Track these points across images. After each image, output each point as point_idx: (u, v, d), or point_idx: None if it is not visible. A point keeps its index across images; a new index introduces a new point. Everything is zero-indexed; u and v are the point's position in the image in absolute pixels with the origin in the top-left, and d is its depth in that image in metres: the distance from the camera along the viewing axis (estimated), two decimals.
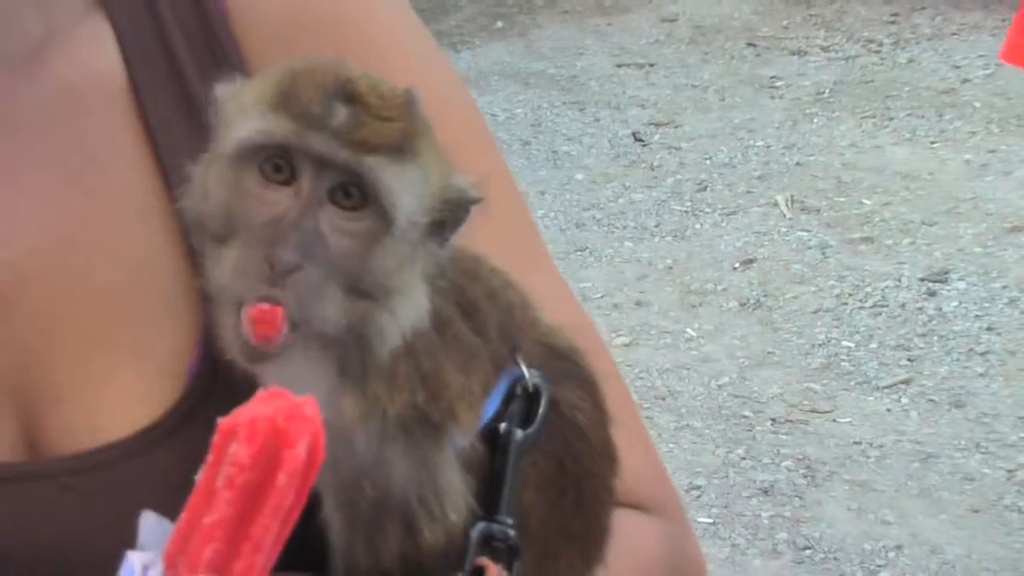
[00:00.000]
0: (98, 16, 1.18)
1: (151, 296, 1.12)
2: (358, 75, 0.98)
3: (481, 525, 1.02)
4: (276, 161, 0.96)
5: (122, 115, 1.16)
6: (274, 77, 0.99)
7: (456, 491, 1.02)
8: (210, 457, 0.87)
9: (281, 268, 0.93)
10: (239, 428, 0.86)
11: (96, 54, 1.17)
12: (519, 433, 1.04)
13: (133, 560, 0.90)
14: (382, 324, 0.99)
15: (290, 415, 0.86)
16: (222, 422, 0.87)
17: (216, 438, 0.87)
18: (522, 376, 1.05)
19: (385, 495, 1.00)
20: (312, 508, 1.02)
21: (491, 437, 1.04)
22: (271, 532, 0.86)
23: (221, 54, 1.16)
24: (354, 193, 0.96)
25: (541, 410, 1.05)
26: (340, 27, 1.19)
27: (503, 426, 1.04)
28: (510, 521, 1.03)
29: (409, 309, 0.99)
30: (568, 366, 1.10)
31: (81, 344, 1.11)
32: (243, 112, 0.98)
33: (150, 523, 0.96)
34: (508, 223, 1.24)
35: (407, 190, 0.96)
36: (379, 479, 1.00)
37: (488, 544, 1.02)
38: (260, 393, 0.89)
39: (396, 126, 0.97)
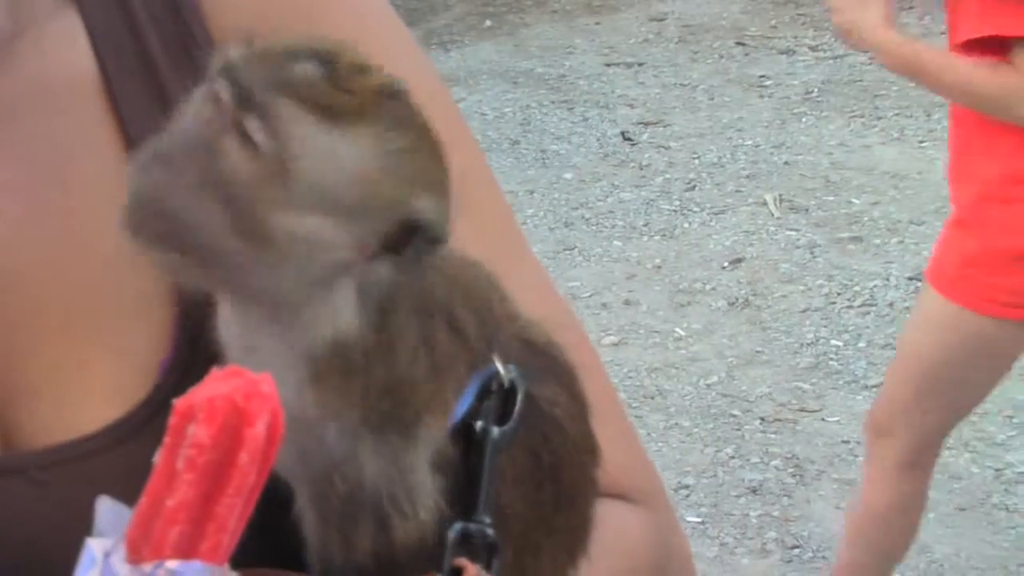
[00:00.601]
0: (69, 11, 1.17)
1: (125, 291, 1.11)
2: (344, 47, 0.93)
3: (458, 525, 1.01)
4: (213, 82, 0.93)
5: (95, 109, 1.15)
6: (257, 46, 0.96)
7: (426, 489, 1.01)
8: (168, 439, 0.86)
9: (160, 144, 0.93)
10: (197, 409, 0.85)
11: (67, 49, 1.16)
12: (495, 431, 1.03)
13: (93, 547, 0.89)
14: (309, 314, 0.95)
15: (248, 393, 0.85)
16: (178, 402, 0.86)
17: (173, 419, 0.86)
18: (497, 373, 1.04)
19: (356, 490, 1.00)
20: (287, 501, 1.02)
21: (466, 434, 1.03)
22: (235, 511, 0.86)
23: (194, 46, 1.16)
24: (262, 128, 0.90)
25: (517, 407, 1.03)
26: (314, 19, 1.18)
27: (479, 424, 1.02)
28: (488, 520, 1.02)
29: (332, 319, 0.96)
30: (545, 360, 1.08)
31: (55, 338, 1.11)
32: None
33: (106, 509, 0.95)
34: (486, 215, 1.23)
35: (323, 163, 0.90)
36: (350, 474, 0.99)
37: (466, 543, 1.02)
38: (215, 372, 0.88)
39: (352, 100, 0.90)
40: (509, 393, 1.03)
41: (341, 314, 0.96)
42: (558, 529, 1.09)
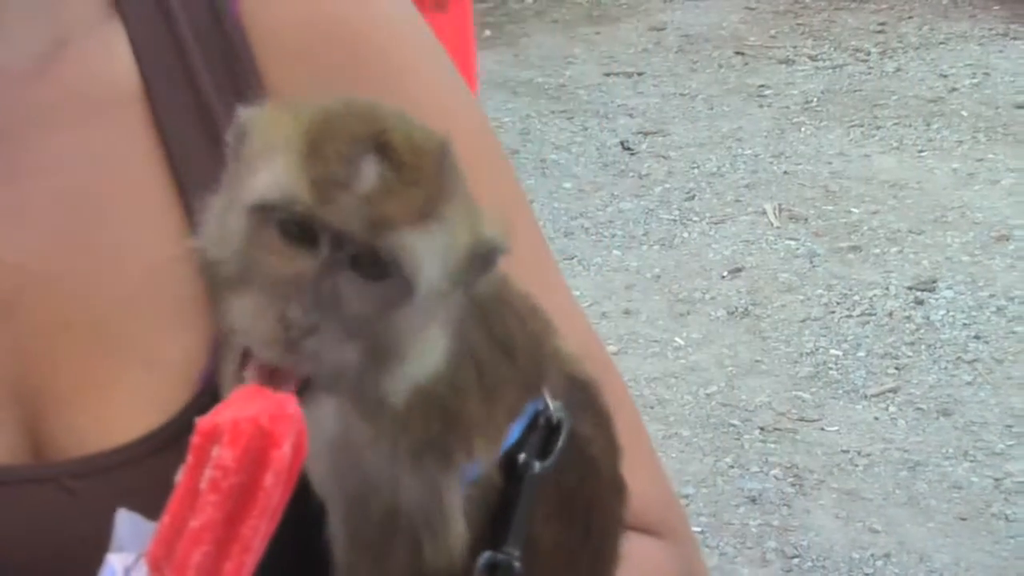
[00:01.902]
0: (113, 24, 1.18)
1: (161, 302, 1.11)
2: (394, 123, 0.94)
3: (487, 554, 1.02)
4: (296, 224, 0.92)
5: (135, 122, 1.16)
6: (305, 119, 0.95)
7: (459, 519, 1.01)
8: (190, 458, 0.86)
9: (295, 332, 0.91)
10: (222, 430, 0.85)
11: (110, 61, 1.17)
12: (536, 465, 1.03)
13: (114, 563, 0.89)
14: (396, 375, 0.96)
15: (275, 415, 0.85)
16: (201, 422, 0.86)
17: (196, 439, 0.86)
18: (546, 407, 1.05)
19: (392, 513, 1.00)
20: (318, 523, 1.02)
21: (508, 465, 1.04)
22: (260, 532, 0.86)
23: (236, 64, 1.16)
24: (375, 264, 0.92)
25: (560, 443, 1.04)
26: (355, 40, 1.19)
27: (521, 456, 1.03)
28: (516, 553, 1.02)
29: (426, 360, 0.97)
30: (585, 398, 1.10)
31: (87, 348, 1.11)
32: (267, 157, 0.94)
33: (126, 521, 0.95)
34: (526, 247, 1.24)
35: (430, 259, 0.93)
36: (386, 498, 1.00)
37: (492, 573, 1.02)
38: (238, 391, 0.88)
39: (424, 192, 0.93)
40: (554, 429, 1.04)
41: (434, 353, 0.98)
42: (585, 565, 1.10)
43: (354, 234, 0.91)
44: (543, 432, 1.04)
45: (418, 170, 0.93)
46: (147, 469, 1.07)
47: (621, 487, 1.12)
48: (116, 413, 1.10)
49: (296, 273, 0.92)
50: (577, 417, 1.07)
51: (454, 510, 1.01)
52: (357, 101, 0.98)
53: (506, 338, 1.03)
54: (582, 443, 1.07)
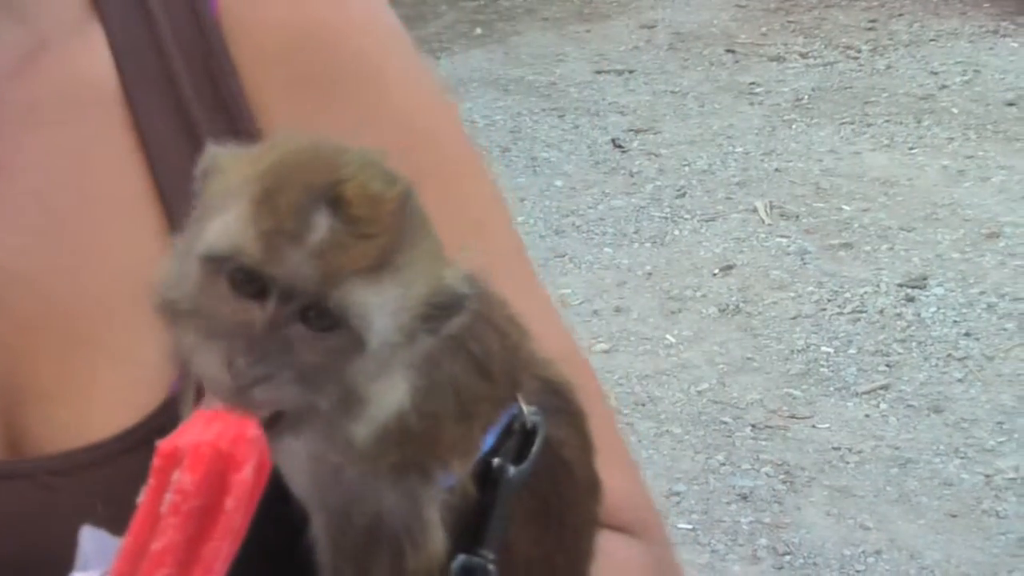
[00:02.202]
0: (93, 25, 1.19)
1: (139, 299, 1.11)
2: (352, 173, 0.92)
3: (461, 558, 1.02)
4: (244, 276, 0.91)
5: (114, 121, 1.16)
6: (262, 164, 0.93)
7: (437, 525, 1.02)
8: (152, 480, 0.86)
9: (242, 381, 0.90)
10: (181, 453, 0.85)
11: (89, 61, 1.18)
12: (511, 470, 1.04)
13: None
14: (358, 420, 0.95)
15: (235, 438, 0.85)
16: (161, 444, 0.86)
17: (156, 461, 0.86)
18: (520, 413, 1.05)
19: (373, 523, 1.00)
20: (301, 526, 1.02)
21: (483, 471, 1.04)
22: (222, 553, 0.86)
23: (215, 66, 1.17)
24: (324, 317, 0.91)
25: (535, 448, 1.04)
26: (333, 42, 1.19)
27: (495, 461, 1.03)
28: (491, 556, 1.03)
29: (386, 405, 0.96)
30: (560, 401, 1.10)
31: (66, 344, 1.12)
32: (219, 205, 0.93)
33: (89, 539, 0.95)
34: (499, 248, 1.25)
35: (382, 313, 0.92)
36: (368, 509, 1.00)
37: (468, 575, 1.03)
38: (199, 412, 0.88)
39: (377, 243, 0.91)
40: (528, 434, 1.04)
41: (395, 397, 0.97)
42: (560, 567, 1.10)
43: (302, 288, 0.90)
44: (518, 437, 1.04)
45: (372, 223, 0.91)
46: (123, 466, 1.08)
47: (596, 487, 1.12)
48: (94, 410, 1.10)
49: (244, 323, 0.91)
50: (552, 420, 1.07)
51: (434, 521, 1.01)
52: (322, 146, 0.96)
53: (484, 356, 1.03)
54: (556, 446, 1.07)
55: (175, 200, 1.12)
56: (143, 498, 0.87)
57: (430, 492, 1.01)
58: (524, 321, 1.08)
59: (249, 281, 0.91)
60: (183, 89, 1.16)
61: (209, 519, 0.85)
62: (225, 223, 0.91)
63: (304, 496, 1.01)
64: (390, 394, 0.96)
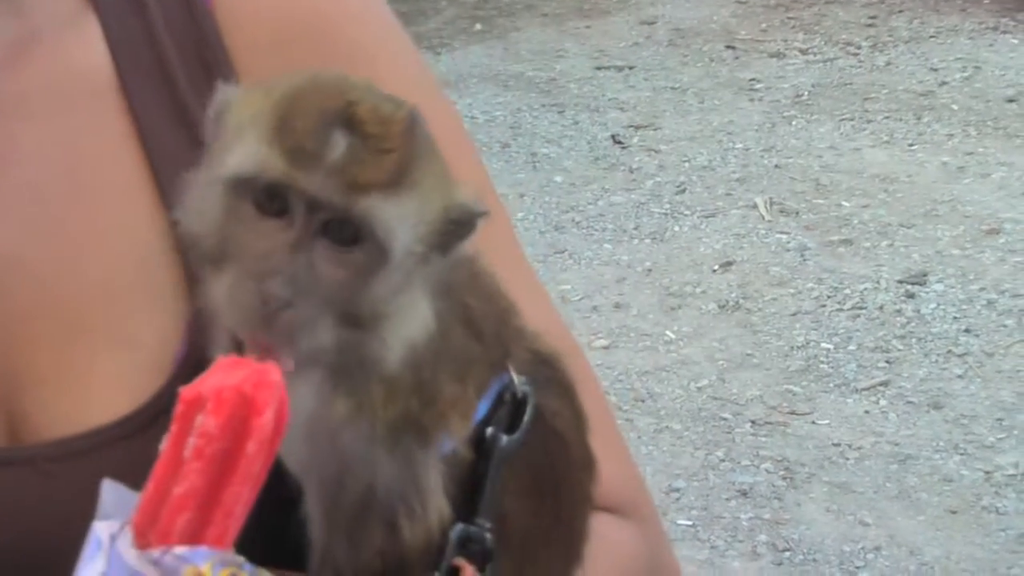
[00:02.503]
0: (87, 15, 1.19)
1: (137, 286, 1.12)
2: (360, 96, 0.96)
3: (459, 527, 1.03)
4: (269, 195, 0.94)
5: (110, 111, 1.17)
6: (274, 95, 0.97)
7: (437, 492, 1.02)
8: (174, 427, 0.87)
9: (271, 304, 0.92)
10: (205, 398, 0.86)
11: (84, 52, 1.18)
12: (503, 439, 1.04)
13: (99, 531, 0.90)
14: (381, 345, 0.98)
15: (257, 383, 0.86)
16: (184, 391, 0.87)
17: (179, 407, 0.87)
18: (511, 383, 1.06)
19: (368, 492, 1.01)
20: (294, 501, 1.02)
21: (477, 441, 1.05)
22: (242, 498, 0.87)
23: (209, 55, 1.17)
24: (348, 229, 0.94)
25: (526, 417, 1.06)
26: (327, 32, 1.20)
27: (489, 431, 1.04)
28: (487, 524, 1.03)
29: (410, 327, 0.99)
30: (550, 372, 1.11)
31: (63, 330, 1.12)
32: (239, 134, 0.96)
33: (110, 491, 0.96)
34: (489, 229, 1.25)
35: (404, 224, 0.95)
36: (363, 477, 1.01)
37: (465, 546, 1.03)
38: (221, 360, 0.89)
39: (394, 158, 0.94)
40: (519, 403, 1.05)
41: (420, 315, 0.99)
42: (556, 540, 1.11)
43: (327, 200, 0.93)
44: (509, 407, 1.06)
45: (387, 138, 0.94)
46: (122, 452, 1.08)
47: (590, 460, 1.13)
48: (92, 396, 1.11)
49: (271, 246, 0.93)
50: (543, 391, 1.08)
51: (433, 486, 1.02)
52: (325, 74, 0.99)
53: (473, 318, 1.04)
54: (549, 416, 1.08)
55: (170, 188, 1.13)
56: (165, 444, 0.88)
57: (428, 458, 1.01)
58: (513, 298, 1.09)
59: (275, 201, 0.94)
60: (177, 79, 1.16)
61: (230, 464, 0.87)
62: (247, 148, 0.94)
63: (298, 467, 1.01)
64: (414, 314, 0.98)
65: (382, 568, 1.02)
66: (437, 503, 1.02)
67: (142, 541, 0.87)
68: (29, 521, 1.09)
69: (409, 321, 0.98)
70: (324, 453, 1.00)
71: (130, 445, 1.09)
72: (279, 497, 1.00)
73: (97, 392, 1.11)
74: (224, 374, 0.88)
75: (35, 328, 1.12)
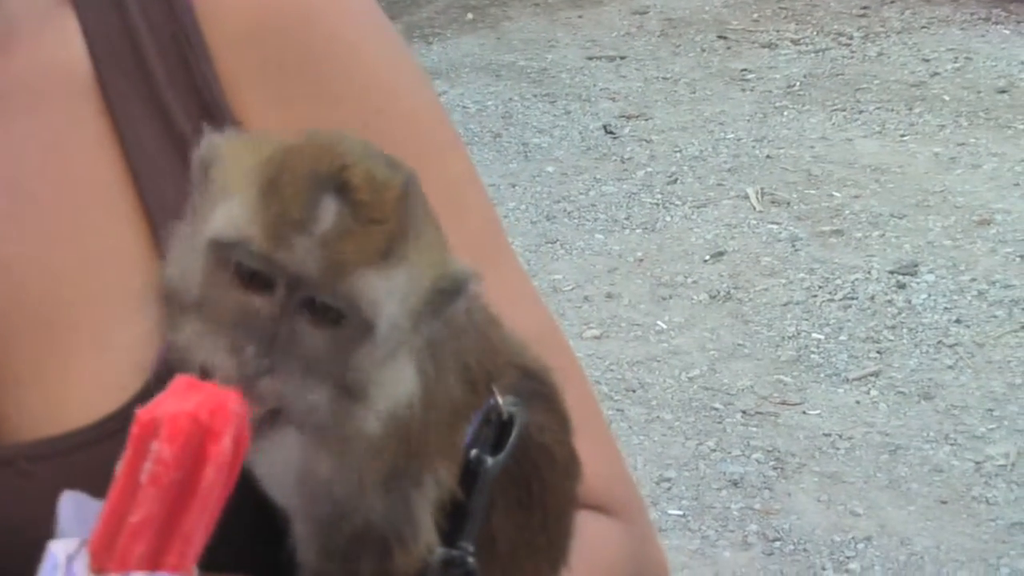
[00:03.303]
0: (64, 11, 1.18)
1: (114, 285, 1.11)
2: (355, 159, 0.92)
3: (441, 550, 1.02)
4: (252, 264, 0.90)
5: (87, 108, 1.15)
6: (265, 152, 0.93)
7: (428, 526, 1.02)
8: (129, 450, 0.85)
9: (250, 372, 0.89)
10: (160, 424, 0.84)
11: (62, 48, 1.17)
12: (489, 461, 1.03)
13: (56, 552, 0.88)
14: (365, 414, 0.95)
15: (213, 409, 0.84)
16: (140, 413, 0.85)
17: (135, 430, 0.85)
18: (496, 404, 1.05)
19: (363, 528, 1.00)
20: (282, 529, 1.02)
21: (462, 463, 1.04)
22: (201, 524, 0.86)
23: (188, 49, 1.16)
24: (332, 306, 0.91)
25: (512, 438, 1.04)
26: (308, 25, 1.19)
27: (473, 452, 1.03)
28: (471, 548, 1.03)
29: (394, 395, 0.96)
30: (536, 385, 1.10)
31: (39, 330, 1.11)
32: (224, 193, 0.92)
33: (69, 504, 0.95)
34: (475, 224, 1.24)
35: (390, 300, 0.91)
36: (358, 517, 1.00)
37: (447, 569, 1.02)
38: (180, 379, 0.87)
39: (385, 229, 0.90)
40: (505, 424, 1.04)
41: (404, 384, 0.97)
42: (542, 547, 1.11)
43: (309, 277, 0.89)
44: (495, 428, 1.04)
45: (378, 209, 0.91)
46: (102, 453, 1.06)
47: (575, 466, 1.12)
48: (70, 396, 1.10)
49: (251, 314, 0.90)
50: (529, 406, 1.07)
51: (426, 523, 1.01)
52: (321, 134, 0.95)
53: (467, 364, 1.02)
54: (536, 432, 1.07)
55: (149, 185, 1.12)
56: (120, 468, 0.86)
57: (422, 497, 1.00)
58: (497, 303, 1.08)
59: (255, 271, 0.90)
60: (156, 74, 1.15)
61: (187, 490, 0.85)
62: (231, 209, 0.91)
63: (289, 506, 1.00)
64: (399, 381, 0.96)
65: None
66: (428, 534, 1.01)
67: (98, 566, 0.86)
68: (9, 521, 1.08)
69: (393, 389, 0.95)
70: (316, 500, 0.99)
71: (111, 445, 1.07)
72: (263, 518, 0.99)
73: (76, 393, 1.10)
74: (180, 398, 0.85)
75: (12, 327, 1.11)
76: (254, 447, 0.92)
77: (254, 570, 1.02)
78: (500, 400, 1.04)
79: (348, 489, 0.98)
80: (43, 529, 0.97)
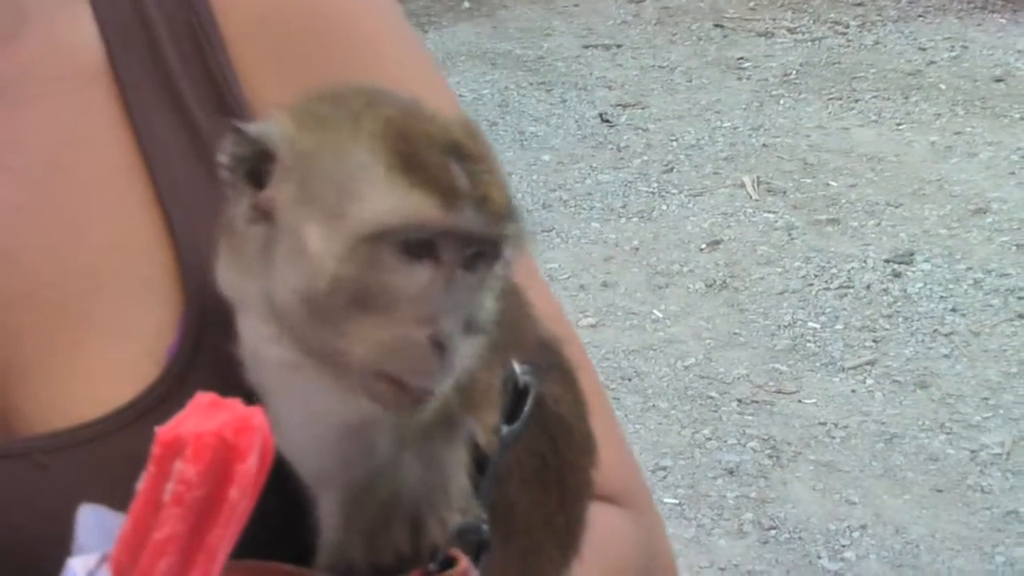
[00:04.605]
0: (79, 1, 1.18)
1: (126, 276, 1.11)
2: (435, 116, 0.95)
3: (457, 519, 1.02)
4: (417, 239, 0.91)
5: (101, 96, 1.15)
6: (360, 126, 0.93)
7: (463, 492, 1.02)
8: (152, 468, 0.84)
9: (447, 346, 0.90)
10: (184, 442, 0.84)
11: (75, 37, 1.17)
12: (504, 429, 1.04)
13: (75, 568, 0.88)
14: (473, 345, 0.97)
15: (239, 428, 0.84)
16: (161, 432, 0.84)
17: (156, 449, 0.84)
18: (513, 373, 1.05)
19: (395, 497, 1.00)
20: (305, 508, 1.02)
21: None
22: (225, 540, 0.85)
23: (202, 36, 1.16)
24: (487, 255, 0.94)
25: (527, 407, 1.05)
26: (321, 13, 1.19)
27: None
28: (484, 516, 1.03)
29: (488, 324, 0.98)
30: (552, 357, 1.10)
31: (51, 320, 1.10)
32: (354, 178, 0.91)
33: (88, 516, 0.94)
34: None
35: (517, 237, 0.96)
36: (391, 481, 0.99)
37: (462, 537, 1.02)
38: (199, 399, 0.86)
39: (500, 175, 0.95)
40: (521, 393, 1.04)
41: (489, 319, 0.98)
42: (558, 528, 1.11)
43: (481, 234, 0.92)
44: (511, 397, 1.05)
45: (487, 158, 0.94)
46: (116, 445, 1.06)
47: (591, 444, 1.12)
48: (82, 387, 1.09)
49: (424, 288, 0.91)
50: (545, 377, 1.07)
51: (458, 483, 1.01)
52: (361, 88, 0.97)
53: (500, 306, 1.03)
54: (551, 403, 1.08)
55: (162, 172, 1.11)
56: (142, 485, 0.85)
57: (456, 455, 1.00)
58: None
59: (419, 245, 0.91)
60: (169, 61, 1.15)
61: (212, 508, 0.84)
62: (377, 195, 0.91)
63: (320, 474, 1.00)
64: (489, 314, 0.98)
65: (396, 564, 1.01)
66: (461, 503, 1.01)
67: None
68: (23, 514, 1.07)
69: (487, 322, 0.98)
70: (355, 458, 0.99)
71: (124, 438, 1.07)
72: (282, 496, 0.99)
73: (89, 384, 1.09)
74: (203, 417, 0.85)
75: (23, 317, 1.10)
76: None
77: (269, 554, 1.02)
78: (517, 369, 1.05)
79: (389, 441, 0.98)
80: (60, 522, 0.97)
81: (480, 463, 1.03)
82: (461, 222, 0.91)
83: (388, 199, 0.90)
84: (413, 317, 0.91)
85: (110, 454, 1.06)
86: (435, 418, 0.98)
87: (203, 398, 0.86)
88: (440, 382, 0.92)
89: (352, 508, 1.00)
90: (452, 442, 1.01)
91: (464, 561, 1.00)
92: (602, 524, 1.18)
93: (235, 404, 0.86)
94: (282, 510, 1.01)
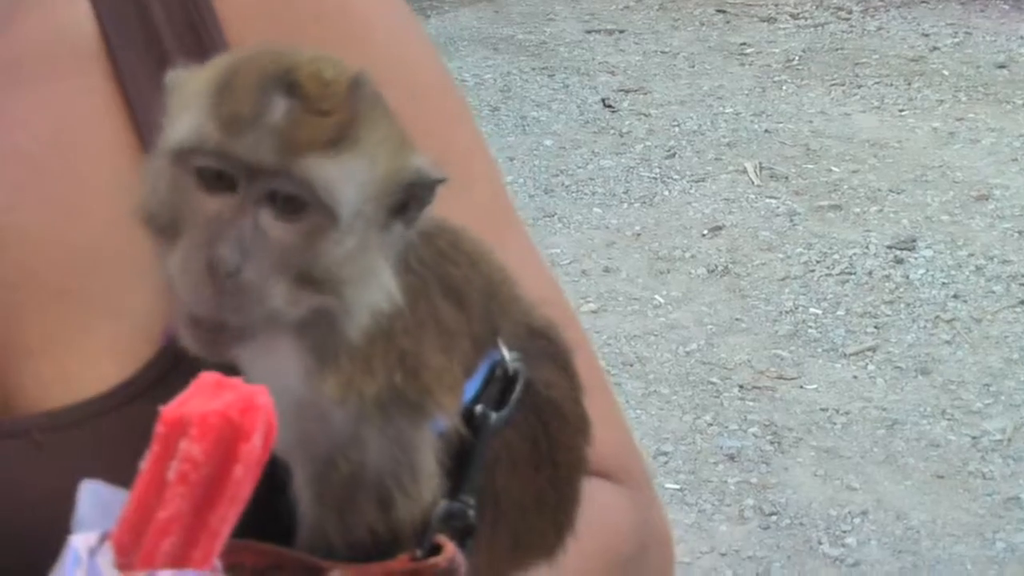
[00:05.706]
0: None
1: (125, 255, 1.11)
2: (303, 62, 0.95)
3: (443, 503, 1.03)
4: (211, 166, 0.93)
5: (97, 76, 1.15)
6: (217, 67, 0.96)
7: (431, 471, 1.02)
8: (155, 447, 0.85)
9: (220, 269, 0.91)
10: (188, 421, 0.84)
11: (70, 16, 1.17)
12: (492, 416, 1.04)
13: (77, 545, 0.88)
14: (345, 310, 0.96)
15: (243, 408, 0.85)
16: (165, 411, 0.85)
17: (160, 428, 0.84)
18: (502, 360, 1.05)
19: (359, 471, 1.00)
20: (283, 484, 1.02)
21: (467, 418, 1.04)
22: (228, 519, 0.86)
23: (198, 19, 1.16)
24: (291, 194, 0.93)
25: (515, 394, 1.05)
26: None
27: (478, 408, 1.04)
28: (471, 501, 1.03)
29: (372, 294, 0.97)
30: (544, 344, 1.10)
31: (52, 299, 1.11)
32: (182, 107, 0.95)
33: (89, 493, 0.94)
34: (482, 194, 1.24)
35: (347, 184, 0.93)
36: (354, 456, 0.99)
37: (447, 522, 1.03)
38: (204, 378, 0.87)
39: (334, 119, 0.93)
40: (511, 380, 1.04)
41: (381, 282, 0.97)
42: (550, 507, 1.11)
43: (264, 164, 0.92)
44: (499, 384, 1.05)
45: (327, 100, 0.93)
46: (115, 422, 1.07)
47: (586, 427, 1.12)
48: (82, 365, 1.09)
49: (216, 215, 0.92)
50: (536, 364, 1.07)
51: (426, 463, 1.01)
52: (270, 46, 0.98)
53: (459, 290, 1.03)
54: (542, 388, 1.07)
55: None
56: (145, 464, 0.86)
57: (421, 435, 1.01)
58: (506, 265, 1.08)
59: (217, 173, 0.93)
60: (165, 42, 1.15)
61: (216, 487, 0.85)
62: (186, 120, 0.94)
63: (286, 448, 1.00)
64: (376, 280, 0.97)
65: (373, 544, 1.02)
66: (431, 480, 1.02)
67: (124, 562, 0.86)
68: (22, 493, 1.08)
69: (370, 287, 0.96)
70: (313, 433, 0.99)
71: (123, 415, 1.07)
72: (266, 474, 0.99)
73: (87, 361, 1.10)
74: (207, 396, 0.85)
75: (22, 297, 1.11)
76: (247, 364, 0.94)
77: (259, 533, 1.02)
78: (505, 356, 1.05)
79: (346, 417, 0.98)
80: (59, 500, 0.97)
81: (462, 448, 1.03)
82: (240, 148, 0.91)
83: (185, 122, 0.94)
84: (199, 240, 0.92)
85: (109, 432, 1.06)
86: (386, 395, 0.98)
87: (207, 377, 0.86)
88: (223, 313, 0.92)
89: (319, 483, 1.00)
90: (414, 421, 1.00)
91: (450, 547, 1.00)
92: (598, 500, 1.18)
93: (239, 383, 0.86)
94: (280, 490, 1.01)
